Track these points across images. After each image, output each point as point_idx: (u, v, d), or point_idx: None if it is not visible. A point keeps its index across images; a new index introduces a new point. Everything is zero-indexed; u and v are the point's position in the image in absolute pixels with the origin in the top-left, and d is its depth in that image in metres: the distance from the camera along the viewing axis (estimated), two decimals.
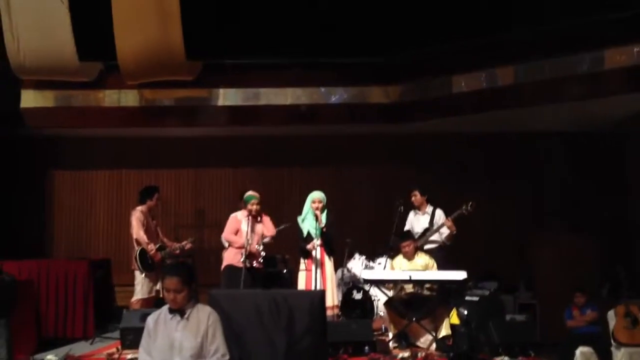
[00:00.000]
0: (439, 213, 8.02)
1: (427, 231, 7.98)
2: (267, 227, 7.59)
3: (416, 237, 7.97)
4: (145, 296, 7.75)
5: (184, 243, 8.22)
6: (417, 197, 8.15)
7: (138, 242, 7.78)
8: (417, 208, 8.20)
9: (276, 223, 7.88)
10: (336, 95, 9.78)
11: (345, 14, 8.49)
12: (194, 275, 4.22)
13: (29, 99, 9.73)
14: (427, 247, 7.93)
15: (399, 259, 7.49)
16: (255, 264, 7.42)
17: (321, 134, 10.26)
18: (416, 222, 8.17)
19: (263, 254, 7.46)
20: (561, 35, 8.11)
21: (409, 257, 7.38)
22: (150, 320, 4.18)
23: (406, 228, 8.16)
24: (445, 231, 7.87)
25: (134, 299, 7.81)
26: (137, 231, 7.79)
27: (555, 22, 7.94)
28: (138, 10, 8.18)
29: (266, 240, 7.62)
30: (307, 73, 9.64)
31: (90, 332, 8.15)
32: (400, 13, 8.41)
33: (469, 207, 7.75)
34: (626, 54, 7.81)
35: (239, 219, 7.61)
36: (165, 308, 4.20)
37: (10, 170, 9.46)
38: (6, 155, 9.34)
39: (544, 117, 9.15)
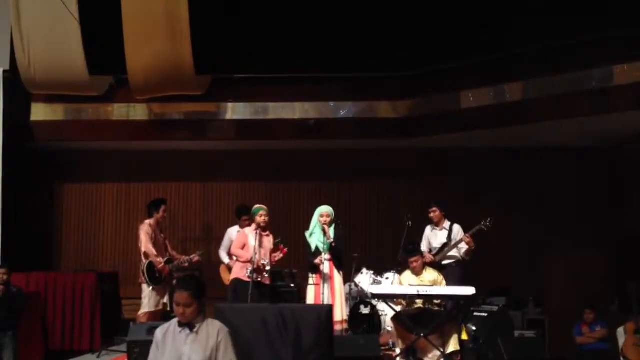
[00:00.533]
0: (457, 228, 7.95)
1: (445, 246, 7.93)
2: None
3: (434, 252, 7.95)
4: (152, 309, 7.74)
5: (192, 256, 8.22)
6: (436, 213, 8.07)
7: (146, 255, 7.78)
8: (435, 224, 8.15)
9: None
10: (345, 110, 9.80)
11: (354, 29, 8.52)
12: (204, 289, 4.21)
13: (39, 112, 9.79)
14: (445, 262, 7.89)
15: (407, 274, 7.45)
16: (260, 278, 7.38)
17: (329, 148, 10.27)
18: (433, 237, 8.11)
19: (268, 268, 7.42)
20: (570, 51, 8.10)
21: (417, 272, 7.35)
22: (159, 333, 4.17)
23: (423, 243, 8.11)
24: (463, 246, 7.80)
25: (141, 312, 7.80)
26: (146, 244, 7.78)
27: (565, 38, 7.95)
28: (149, 27, 8.24)
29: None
30: (316, 87, 9.66)
31: (97, 344, 8.17)
32: (409, 28, 8.43)
33: (487, 223, 7.68)
34: (635, 70, 7.80)
35: (246, 234, 7.59)
36: (174, 321, 4.19)
37: (19, 182, 9.50)
38: (15, 167, 9.38)
39: (553, 132, 9.14)
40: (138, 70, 8.55)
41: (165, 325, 4.21)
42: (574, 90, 8.19)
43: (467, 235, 7.74)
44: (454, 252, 7.88)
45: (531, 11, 7.87)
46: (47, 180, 10.57)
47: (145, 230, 7.83)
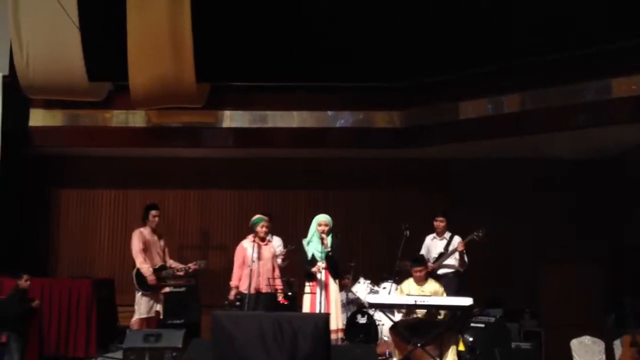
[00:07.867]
0: (457, 239, 7.99)
1: (441, 256, 7.95)
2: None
3: (432, 261, 7.96)
4: (144, 316, 7.73)
5: (189, 265, 8.19)
6: (444, 223, 8.14)
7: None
8: (438, 233, 8.16)
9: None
10: (342, 119, 9.82)
11: (353, 40, 8.54)
12: None
13: (38, 117, 9.80)
14: (443, 271, 7.90)
15: (408, 283, 7.42)
16: (264, 289, 7.38)
17: (327, 157, 10.28)
18: (433, 246, 8.16)
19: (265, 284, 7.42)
20: (568, 64, 8.13)
21: (420, 282, 7.31)
22: None
23: (422, 252, 8.15)
24: (458, 256, 7.86)
25: (134, 318, 7.80)
26: (135, 251, 7.84)
27: (563, 50, 7.97)
28: (153, 45, 8.22)
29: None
30: (314, 96, 9.69)
31: (93, 351, 8.14)
32: (408, 39, 8.45)
33: (480, 233, 7.73)
34: (633, 83, 7.83)
35: (244, 247, 7.57)
36: None
37: (16, 188, 9.48)
38: (13, 173, 9.37)
39: (551, 144, 9.16)
40: (140, 87, 8.54)
41: None
42: (572, 102, 8.22)
43: (461, 242, 7.75)
44: (451, 262, 7.89)
45: (530, 23, 7.90)
46: (45, 186, 10.55)
47: (136, 237, 7.88)
